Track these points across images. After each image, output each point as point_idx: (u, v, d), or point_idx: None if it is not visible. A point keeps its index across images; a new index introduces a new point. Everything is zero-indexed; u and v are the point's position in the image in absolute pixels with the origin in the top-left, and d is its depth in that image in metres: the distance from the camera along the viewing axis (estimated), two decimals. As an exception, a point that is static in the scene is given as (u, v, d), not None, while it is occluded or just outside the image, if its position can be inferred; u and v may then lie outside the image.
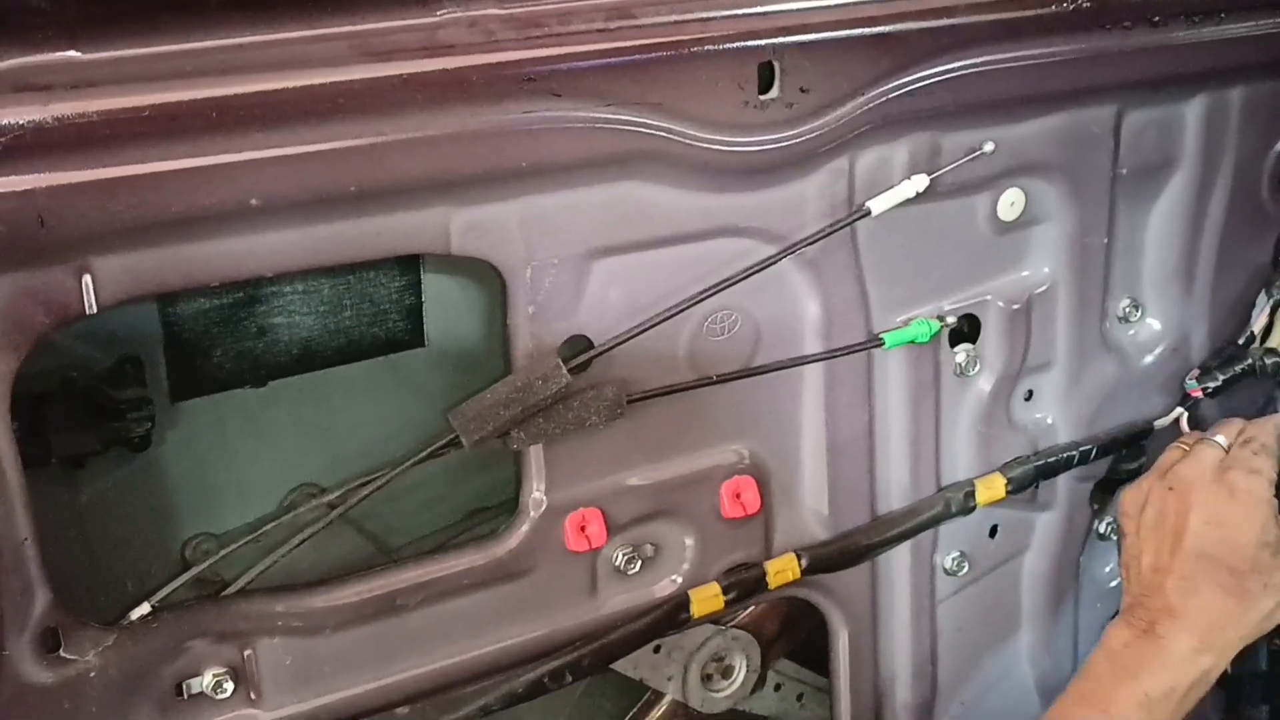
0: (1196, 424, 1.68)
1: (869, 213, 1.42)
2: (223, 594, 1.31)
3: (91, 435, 1.25)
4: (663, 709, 1.63)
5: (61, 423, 1.23)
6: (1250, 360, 1.68)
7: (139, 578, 1.33)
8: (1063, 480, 1.69)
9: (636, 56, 1.24)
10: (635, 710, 1.65)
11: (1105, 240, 1.61)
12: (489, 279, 1.34)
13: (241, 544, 1.30)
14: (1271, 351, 1.68)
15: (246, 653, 1.29)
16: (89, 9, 1.04)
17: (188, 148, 1.08)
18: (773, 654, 1.68)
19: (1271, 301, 1.70)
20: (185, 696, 1.27)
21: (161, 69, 1.06)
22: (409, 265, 1.38)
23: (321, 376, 1.39)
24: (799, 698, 1.74)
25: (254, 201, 1.12)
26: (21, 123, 1.00)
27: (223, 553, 1.31)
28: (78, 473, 1.30)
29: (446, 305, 1.43)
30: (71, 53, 1.04)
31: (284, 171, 1.12)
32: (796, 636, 1.70)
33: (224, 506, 1.41)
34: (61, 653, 1.18)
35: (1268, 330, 1.72)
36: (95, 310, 1.11)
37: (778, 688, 1.72)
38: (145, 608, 1.24)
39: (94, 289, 1.10)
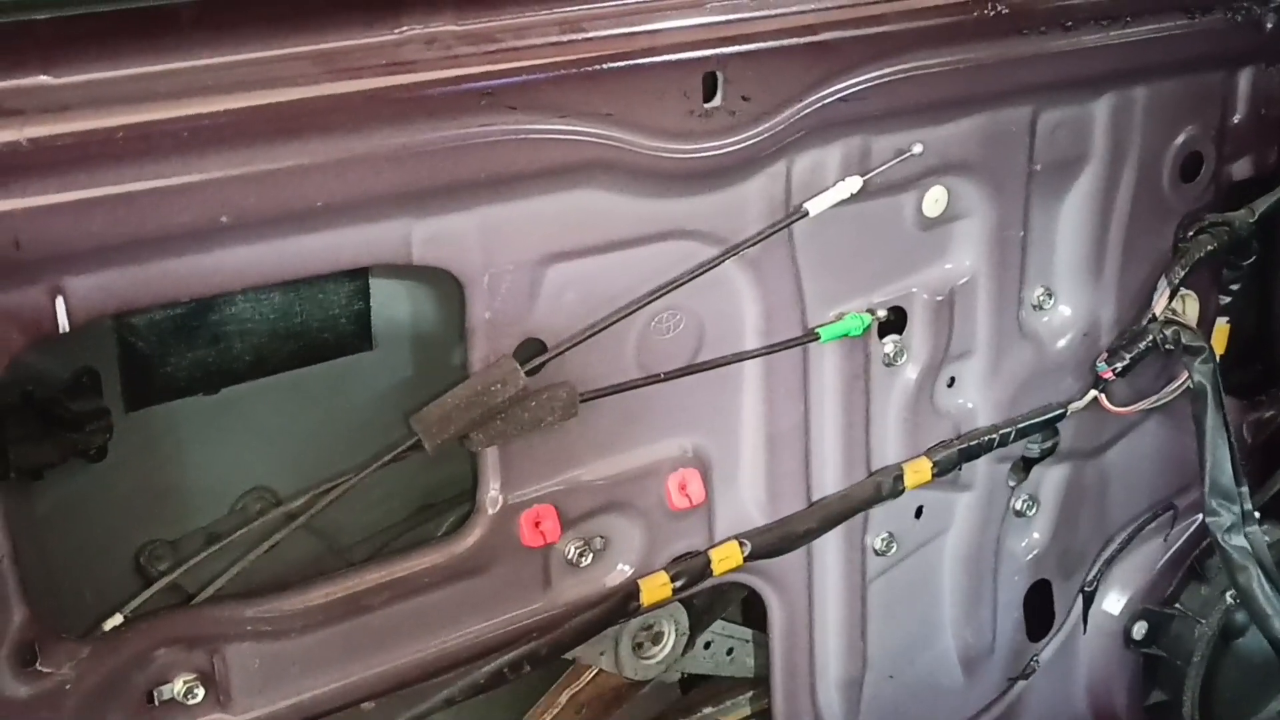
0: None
1: (807, 214, 1.47)
2: (192, 601, 1.33)
3: (50, 447, 1.25)
4: (590, 675, 1.67)
5: (20, 435, 1.23)
6: (1151, 336, 1.77)
7: (95, 586, 1.34)
8: (982, 461, 1.76)
9: (587, 69, 1.28)
10: (561, 679, 1.68)
11: (1021, 233, 1.68)
12: (435, 281, 1.36)
13: (206, 554, 1.33)
14: (1169, 322, 1.77)
15: (216, 658, 1.31)
16: (60, 33, 1.05)
17: (160, 167, 1.10)
18: (703, 623, 1.72)
19: (1170, 285, 1.79)
20: (156, 704, 1.29)
21: (133, 90, 1.08)
22: (358, 270, 1.39)
23: (272, 381, 1.40)
24: (729, 652, 1.79)
25: (224, 219, 1.15)
26: None
27: (190, 563, 1.33)
28: (35, 485, 1.29)
29: (393, 308, 1.45)
30: (43, 77, 1.05)
31: (253, 188, 1.15)
32: (726, 604, 1.75)
33: (177, 512, 1.42)
34: (38, 666, 1.19)
35: (1168, 314, 1.83)
36: (68, 329, 1.12)
37: (707, 645, 1.77)
38: (118, 618, 1.26)
39: (66, 308, 1.12)
